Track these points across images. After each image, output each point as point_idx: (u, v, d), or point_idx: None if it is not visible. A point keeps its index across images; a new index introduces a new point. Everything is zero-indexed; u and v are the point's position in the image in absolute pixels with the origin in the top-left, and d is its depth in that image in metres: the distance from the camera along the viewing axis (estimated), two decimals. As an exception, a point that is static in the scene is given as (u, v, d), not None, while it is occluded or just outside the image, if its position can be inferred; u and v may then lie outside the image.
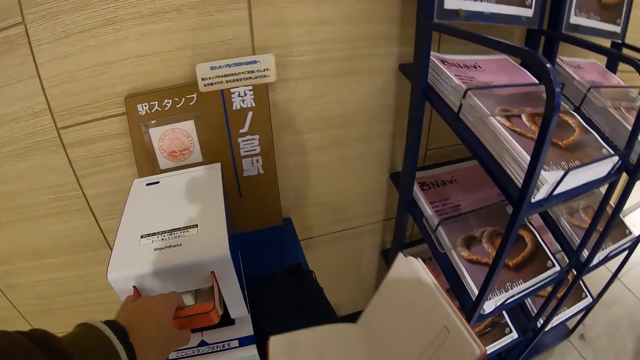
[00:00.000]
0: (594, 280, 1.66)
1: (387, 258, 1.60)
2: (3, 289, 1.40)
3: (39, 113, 1.01)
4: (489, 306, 1.10)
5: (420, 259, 0.64)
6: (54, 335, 0.46)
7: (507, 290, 1.11)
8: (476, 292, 1.07)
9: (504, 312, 1.50)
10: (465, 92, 0.94)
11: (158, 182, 0.99)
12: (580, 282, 1.65)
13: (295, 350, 0.68)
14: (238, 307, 0.88)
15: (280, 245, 1.23)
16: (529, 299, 1.54)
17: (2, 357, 0.38)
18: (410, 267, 0.62)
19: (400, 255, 0.64)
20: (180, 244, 0.80)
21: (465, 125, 0.98)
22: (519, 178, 0.85)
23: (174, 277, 0.78)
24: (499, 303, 1.11)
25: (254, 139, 1.11)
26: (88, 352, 0.49)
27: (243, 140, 1.11)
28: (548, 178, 0.82)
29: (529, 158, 0.78)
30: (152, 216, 0.89)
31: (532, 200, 0.85)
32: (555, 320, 1.54)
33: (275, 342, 0.72)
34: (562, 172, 0.82)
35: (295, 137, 1.19)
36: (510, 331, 1.47)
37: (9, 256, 1.30)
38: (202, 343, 0.91)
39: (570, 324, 1.82)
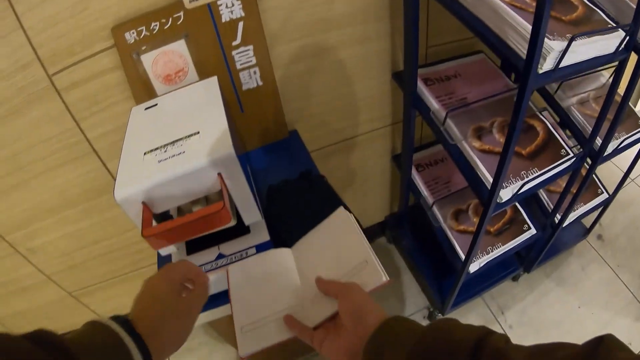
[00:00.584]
0: (610, 180, 1.63)
1: (398, 164, 1.54)
2: (25, 255, 1.39)
3: (28, 64, 0.96)
4: (505, 194, 1.07)
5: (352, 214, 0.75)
6: (55, 334, 0.43)
7: (522, 179, 1.08)
8: (491, 180, 1.04)
9: (521, 209, 1.47)
10: None
11: (156, 105, 0.94)
12: (595, 177, 1.61)
13: (248, 275, 0.73)
14: (251, 212, 0.84)
15: (290, 158, 1.18)
16: (545, 195, 1.51)
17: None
18: (344, 217, 0.73)
19: (341, 208, 0.75)
20: (184, 152, 0.76)
21: (464, 7, 0.92)
22: (522, 49, 0.81)
23: (181, 186, 0.75)
24: (515, 191, 1.08)
25: (248, 49, 1.04)
26: (91, 346, 0.45)
27: (237, 53, 1.04)
28: (553, 46, 0.78)
29: (530, 27, 0.74)
30: (153, 134, 0.84)
31: (540, 71, 0.81)
32: (573, 216, 1.51)
33: (233, 271, 0.74)
34: (566, 42, 0.78)
35: (289, 45, 1.12)
36: (529, 227, 1.43)
37: (24, 220, 1.27)
38: (220, 256, 0.88)
39: (587, 223, 1.79)
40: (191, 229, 0.71)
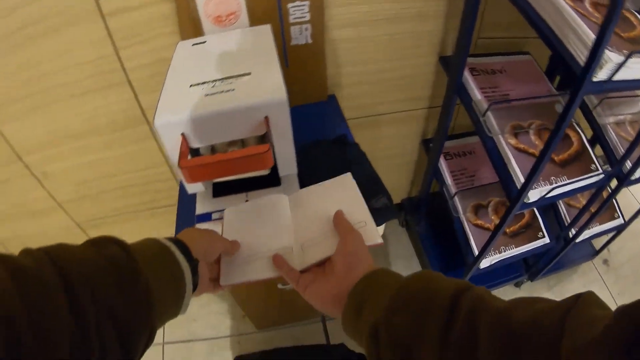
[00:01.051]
0: (627, 207, 1.62)
1: (427, 148, 1.51)
2: (40, 178, 1.35)
3: (75, -17, 0.90)
4: (533, 195, 1.06)
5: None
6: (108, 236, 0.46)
7: (551, 184, 1.07)
8: (522, 179, 1.03)
9: (539, 217, 1.44)
10: None
11: (204, 42, 0.90)
12: (614, 202, 1.58)
13: (242, 217, 0.74)
14: (288, 164, 0.81)
15: (326, 121, 1.14)
16: (563, 208, 1.50)
17: (62, 255, 0.38)
18: (349, 182, 0.75)
19: (348, 174, 0.76)
20: (234, 89, 0.72)
21: (528, 3, 0.89)
22: (581, 55, 0.80)
23: (226, 123, 0.71)
24: (543, 194, 1.06)
25: (304, 4, 0.99)
26: (145, 251, 0.49)
27: (293, 6, 0.99)
28: (612, 58, 0.77)
29: (592, 35, 0.76)
30: (201, 69, 0.80)
31: (594, 79, 0.79)
32: (587, 234, 1.48)
33: (228, 213, 0.75)
34: (625, 55, 0.77)
35: (346, 7, 1.07)
36: (543, 236, 1.41)
37: (43, 143, 1.24)
38: (246, 203, 0.84)
39: (597, 245, 1.77)
40: (229, 167, 0.68)
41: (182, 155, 0.68)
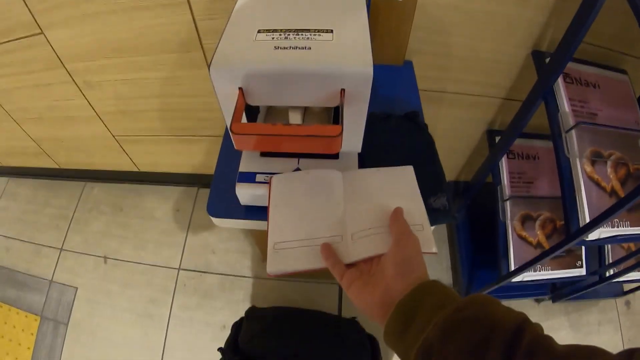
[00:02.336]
0: None
1: (491, 140, 1.34)
2: (81, 87, 1.24)
3: None
4: (593, 235, 0.91)
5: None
6: None
7: (613, 226, 0.93)
8: (588, 217, 0.89)
9: (583, 247, 1.27)
10: None
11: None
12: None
13: (292, 190, 0.64)
14: (354, 141, 0.66)
15: (398, 90, 0.96)
16: (609, 246, 1.34)
17: None
18: (411, 176, 0.65)
19: (410, 167, 0.66)
20: (310, 47, 0.56)
21: None
22: None
23: (294, 86, 0.55)
24: (602, 236, 0.92)
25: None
26: None
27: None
28: None
29: None
30: (273, 12, 0.63)
31: None
32: (625, 277, 1.33)
33: (276, 182, 0.65)
34: None
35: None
36: (581, 266, 1.27)
37: (91, 51, 1.11)
38: (296, 170, 0.70)
39: (626, 287, 1.64)
40: (289, 143, 0.53)
41: (236, 114, 0.54)
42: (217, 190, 0.78)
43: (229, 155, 0.81)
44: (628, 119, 1.02)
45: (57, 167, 1.75)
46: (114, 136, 1.45)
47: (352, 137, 0.64)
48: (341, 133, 0.51)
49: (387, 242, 0.53)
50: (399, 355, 0.45)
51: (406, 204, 0.59)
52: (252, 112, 0.66)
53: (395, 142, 0.77)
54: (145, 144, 1.48)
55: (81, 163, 1.69)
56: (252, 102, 0.58)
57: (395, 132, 0.78)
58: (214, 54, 0.55)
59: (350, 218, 0.60)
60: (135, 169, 1.66)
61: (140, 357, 1.42)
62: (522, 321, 0.39)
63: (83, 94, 1.26)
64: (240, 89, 0.56)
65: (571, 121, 0.92)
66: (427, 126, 0.83)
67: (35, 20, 1.01)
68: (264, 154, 0.72)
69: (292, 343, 0.94)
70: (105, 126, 1.40)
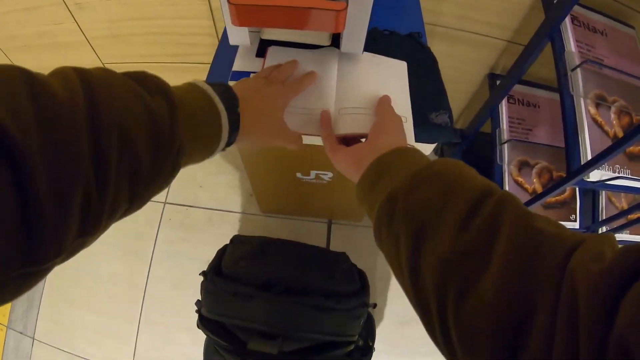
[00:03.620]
0: None
1: (492, 84, 1.31)
2: (72, 9, 1.18)
3: None
4: (594, 176, 0.91)
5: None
6: (160, 78, 0.39)
7: (614, 172, 0.92)
8: (589, 155, 0.88)
9: (578, 199, 1.29)
10: None
11: None
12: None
13: (287, 57, 0.63)
14: (356, 39, 0.62)
15: (403, 14, 0.89)
16: (603, 203, 1.32)
17: (98, 87, 0.30)
18: (402, 71, 0.68)
19: (404, 63, 0.69)
20: None
21: None
22: None
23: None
24: (602, 178, 0.91)
25: None
26: (189, 103, 0.42)
27: None
28: None
29: None
30: None
31: None
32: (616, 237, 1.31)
33: (273, 52, 0.66)
34: None
35: None
36: (575, 220, 1.27)
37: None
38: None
39: None
40: (290, 16, 0.51)
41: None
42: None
43: (219, 69, 0.77)
44: (634, 71, 1.00)
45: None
46: (103, 64, 1.39)
47: (355, 32, 0.61)
48: (346, 8, 0.49)
49: (372, 124, 0.54)
50: (367, 211, 0.45)
51: (395, 95, 0.60)
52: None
53: (398, 57, 0.74)
54: (135, 72, 1.43)
55: (69, 95, 1.64)
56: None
57: (398, 48, 0.75)
58: None
59: (341, 94, 0.61)
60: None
61: (124, 292, 1.40)
62: (495, 186, 0.37)
63: (73, 17, 1.21)
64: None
65: (577, 60, 0.90)
66: (431, 50, 0.81)
67: None
68: (259, 54, 0.69)
69: (279, 267, 0.92)
70: (95, 53, 1.34)
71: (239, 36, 0.64)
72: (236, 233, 1.46)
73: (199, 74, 1.40)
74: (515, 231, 0.31)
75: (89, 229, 0.29)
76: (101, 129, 0.29)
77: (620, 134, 0.92)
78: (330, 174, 0.95)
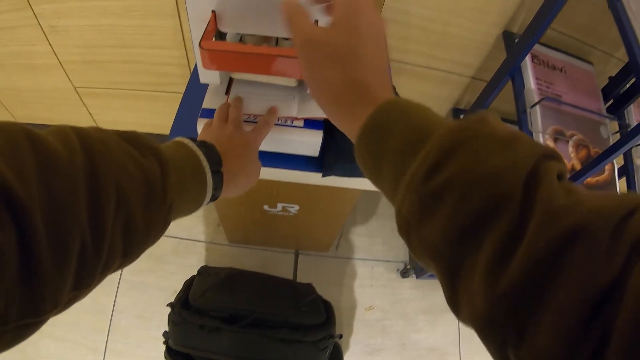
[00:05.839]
0: None
1: (456, 118, 1.33)
2: (46, 31, 1.18)
3: None
4: None
5: None
6: (150, 139, 0.39)
7: None
8: None
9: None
10: None
11: None
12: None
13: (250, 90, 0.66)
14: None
15: None
16: None
17: (96, 146, 0.32)
18: None
19: None
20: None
21: (624, 10, 0.79)
22: None
23: (267, 13, 0.55)
24: None
25: None
26: (176, 160, 0.43)
27: None
28: None
29: None
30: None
31: None
32: None
33: (237, 84, 0.68)
34: None
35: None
36: None
37: (62, -8, 1.06)
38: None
39: None
40: (256, 63, 0.54)
41: (206, 35, 0.54)
42: (177, 130, 0.78)
43: (190, 103, 0.81)
44: (591, 106, 1.07)
45: (13, 120, 1.68)
46: (75, 88, 1.39)
47: None
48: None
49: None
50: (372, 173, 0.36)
51: None
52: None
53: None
54: (107, 98, 1.44)
55: (39, 117, 1.62)
56: (224, 28, 0.58)
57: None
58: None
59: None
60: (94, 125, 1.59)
61: (89, 322, 1.37)
62: (522, 159, 0.27)
63: (48, 40, 1.21)
64: (213, 12, 0.56)
65: (536, 97, 0.96)
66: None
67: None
68: (229, 92, 0.71)
69: (246, 299, 0.93)
70: (67, 76, 1.34)
71: (210, 75, 0.66)
72: (203, 263, 1.47)
73: (170, 103, 1.42)
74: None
75: (83, 283, 0.30)
76: (100, 186, 0.30)
77: (578, 167, 0.98)
78: (296, 207, 0.97)
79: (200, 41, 0.53)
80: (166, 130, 1.58)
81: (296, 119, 0.67)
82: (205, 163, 0.46)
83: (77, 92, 1.41)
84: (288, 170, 0.73)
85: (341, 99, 0.39)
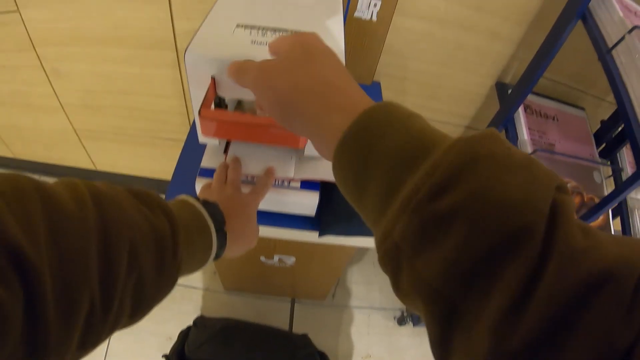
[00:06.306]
0: None
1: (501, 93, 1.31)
2: (49, 74, 1.20)
3: None
4: None
5: None
6: (160, 197, 0.39)
7: None
8: None
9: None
10: (632, 28, 0.76)
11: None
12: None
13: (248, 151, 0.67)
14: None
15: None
16: None
17: (108, 203, 0.31)
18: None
19: None
20: (285, 45, 0.57)
21: (614, 63, 0.79)
22: None
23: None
24: None
25: (384, -21, 0.84)
26: (184, 220, 0.42)
27: (371, -25, 0.84)
28: None
29: None
30: (253, 10, 0.65)
31: None
32: None
33: (235, 145, 0.68)
34: None
35: (425, -3, 0.92)
36: None
37: (63, 37, 1.09)
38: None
39: None
40: (255, 133, 0.54)
41: (206, 102, 0.54)
42: (175, 187, 0.78)
43: (189, 157, 0.80)
44: (584, 152, 1.08)
45: (11, 156, 1.68)
46: (75, 130, 1.41)
47: None
48: (308, 127, 0.53)
49: None
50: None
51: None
52: (220, 107, 0.67)
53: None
54: (106, 142, 1.45)
55: (37, 155, 1.63)
56: (223, 94, 0.59)
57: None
58: (191, 39, 0.56)
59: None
60: (93, 167, 1.61)
61: (79, 365, 1.34)
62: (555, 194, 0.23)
63: (50, 82, 1.23)
64: (213, 78, 0.57)
65: (529, 148, 0.97)
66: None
67: (14, -2, 0.98)
68: (227, 151, 0.72)
69: (242, 352, 0.92)
70: (68, 118, 1.36)
71: (207, 137, 0.67)
72: (199, 310, 1.45)
73: (169, 149, 1.44)
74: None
75: (89, 343, 0.29)
76: (111, 245, 0.29)
77: (572, 214, 0.98)
78: (293, 259, 0.97)
79: (200, 109, 0.53)
80: (164, 175, 1.61)
81: (293, 179, 0.68)
82: (210, 222, 0.46)
83: (77, 134, 1.42)
84: (285, 229, 0.73)
85: (311, 106, 0.33)
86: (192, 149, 0.78)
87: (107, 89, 1.21)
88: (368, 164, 0.28)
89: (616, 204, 1.11)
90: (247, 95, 0.60)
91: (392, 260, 0.26)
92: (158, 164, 1.55)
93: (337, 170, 0.31)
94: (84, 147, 1.50)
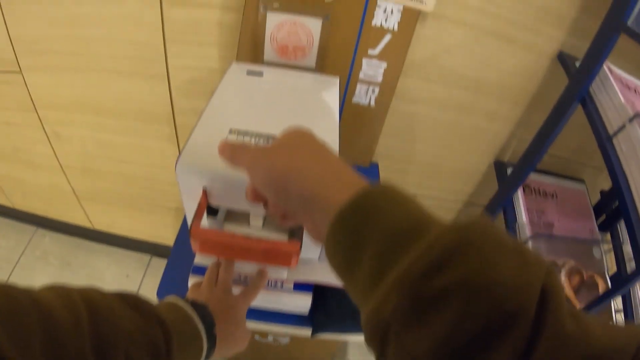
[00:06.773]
0: None
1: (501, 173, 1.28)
2: (50, 135, 1.22)
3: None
4: None
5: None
6: (150, 302, 0.40)
7: None
8: None
9: None
10: (633, 117, 0.74)
11: (261, 74, 0.75)
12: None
13: None
14: (313, 249, 0.66)
15: None
16: None
17: (102, 314, 0.31)
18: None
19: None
20: (277, 155, 0.57)
21: (614, 151, 0.78)
22: None
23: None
24: None
25: (380, 65, 0.85)
26: (176, 325, 0.42)
27: (368, 63, 0.85)
28: None
29: None
30: (247, 111, 0.66)
31: None
32: None
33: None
34: None
35: (423, 82, 0.93)
36: None
37: (65, 104, 1.10)
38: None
39: None
40: (247, 254, 0.53)
41: (197, 214, 0.54)
42: (170, 275, 0.76)
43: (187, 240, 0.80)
44: (584, 228, 1.07)
45: (10, 206, 1.68)
46: (73, 190, 1.41)
47: (311, 251, 0.65)
48: (300, 249, 0.52)
49: None
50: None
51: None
52: (213, 211, 0.66)
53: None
54: (104, 205, 1.45)
55: (36, 208, 1.62)
56: (215, 203, 0.58)
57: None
58: (182, 150, 0.55)
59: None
60: (90, 226, 1.61)
61: None
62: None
63: (50, 143, 1.24)
64: (204, 189, 0.56)
65: (528, 232, 0.96)
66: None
67: (17, 60, 1.00)
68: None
69: None
70: (67, 179, 1.36)
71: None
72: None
73: (167, 217, 1.44)
74: None
75: None
76: (107, 357, 0.29)
77: (572, 296, 0.96)
78: (287, 338, 0.94)
79: (191, 227, 0.52)
80: (161, 240, 1.60)
81: (286, 281, 0.66)
82: (200, 327, 0.46)
83: (75, 194, 1.42)
84: (278, 325, 0.71)
85: (308, 183, 0.34)
86: (184, 247, 0.76)
87: (106, 155, 1.22)
88: (363, 239, 0.28)
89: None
90: (237, 205, 0.59)
91: (379, 335, 0.25)
92: (155, 229, 1.54)
93: (330, 243, 0.31)
94: (82, 207, 1.49)
